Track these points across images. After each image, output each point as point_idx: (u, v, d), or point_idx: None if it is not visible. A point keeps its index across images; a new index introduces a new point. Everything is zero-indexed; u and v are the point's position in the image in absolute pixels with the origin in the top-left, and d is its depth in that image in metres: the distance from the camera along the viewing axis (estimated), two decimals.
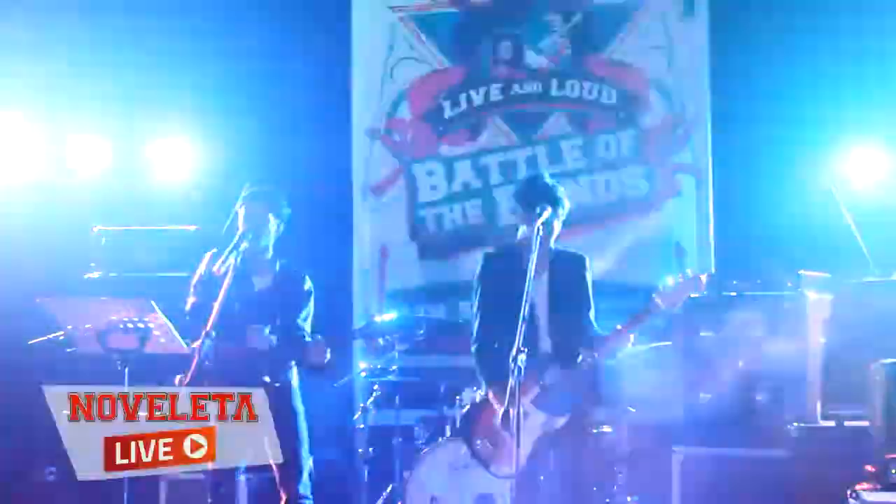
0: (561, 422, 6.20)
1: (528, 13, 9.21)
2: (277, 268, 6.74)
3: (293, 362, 6.64)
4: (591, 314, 6.42)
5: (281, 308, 6.61)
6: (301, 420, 6.61)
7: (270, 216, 6.69)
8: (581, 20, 9.16)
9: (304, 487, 6.57)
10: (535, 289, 6.21)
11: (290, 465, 6.42)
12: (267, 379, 6.35)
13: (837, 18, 8.35)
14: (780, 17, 8.57)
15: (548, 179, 6.44)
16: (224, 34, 8.95)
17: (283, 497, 6.55)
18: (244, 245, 6.49)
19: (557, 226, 6.34)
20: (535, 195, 6.32)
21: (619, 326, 6.19)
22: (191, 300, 6.60)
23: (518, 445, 5.70)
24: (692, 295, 6.27)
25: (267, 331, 6.44)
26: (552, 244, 6.37)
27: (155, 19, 8.99)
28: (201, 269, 6.64)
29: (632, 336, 6.19)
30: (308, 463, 6.61)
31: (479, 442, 6.46)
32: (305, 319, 6.68)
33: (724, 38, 8.90)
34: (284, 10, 9.11)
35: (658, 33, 9.07)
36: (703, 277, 6.16)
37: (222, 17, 8.97)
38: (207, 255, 6.66)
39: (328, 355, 6.48)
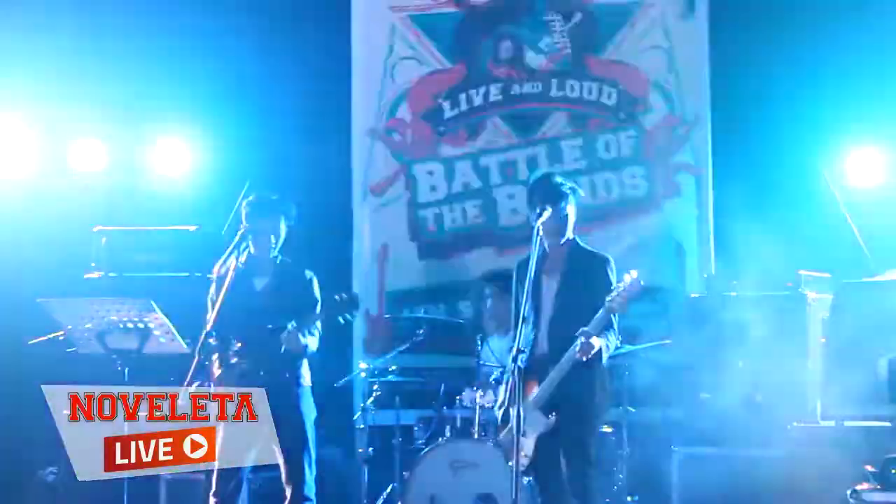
0: (551, 421, 6.18)
1: (528, 13, 9.20)
2: (277, 266, 6.72)
3: (302, 364, 6.62)
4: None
5: (282, 307, 6.59)
6: (308, 423, 6.57)
7: (282, 224, 6.66)
8: (581, 20, 9.15)
9: (309, 489, 6.55)
10: (546, 289, 6.22)
11: (295, 467, 6.43)
12: (263, 374, 6.31)
13: (837, 19, 8.35)
14: (780, 17, 8.57)
15: (555, 178, 6.37)
16: (223, 34, 8.94)
17: (287, 497, 6.54)
18: (244, 246, 6.49)
19: (568, 223, 6.30)
20: (534, 197, 6.32)
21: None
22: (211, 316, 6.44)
23: (517, 444, 5.76)
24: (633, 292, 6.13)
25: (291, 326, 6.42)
26: (562, 242, 6.32)
27: (154, 19, 9.00)
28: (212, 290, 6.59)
29: (595, 341, 6.11)
30: (313, 465, 6.59)
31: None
32: (314, 308, 6.62)
33: (724, 38, 8.89)
34: (284, 10, 9.11)
35: (658, 33, 9.06)
36: (634, 273, 6.07)
37: (221, 17, 8.96)
38: (215, 269, 6.64)
39: (302, 341, 6.44)
